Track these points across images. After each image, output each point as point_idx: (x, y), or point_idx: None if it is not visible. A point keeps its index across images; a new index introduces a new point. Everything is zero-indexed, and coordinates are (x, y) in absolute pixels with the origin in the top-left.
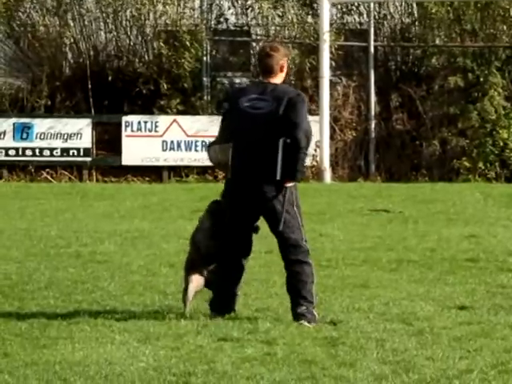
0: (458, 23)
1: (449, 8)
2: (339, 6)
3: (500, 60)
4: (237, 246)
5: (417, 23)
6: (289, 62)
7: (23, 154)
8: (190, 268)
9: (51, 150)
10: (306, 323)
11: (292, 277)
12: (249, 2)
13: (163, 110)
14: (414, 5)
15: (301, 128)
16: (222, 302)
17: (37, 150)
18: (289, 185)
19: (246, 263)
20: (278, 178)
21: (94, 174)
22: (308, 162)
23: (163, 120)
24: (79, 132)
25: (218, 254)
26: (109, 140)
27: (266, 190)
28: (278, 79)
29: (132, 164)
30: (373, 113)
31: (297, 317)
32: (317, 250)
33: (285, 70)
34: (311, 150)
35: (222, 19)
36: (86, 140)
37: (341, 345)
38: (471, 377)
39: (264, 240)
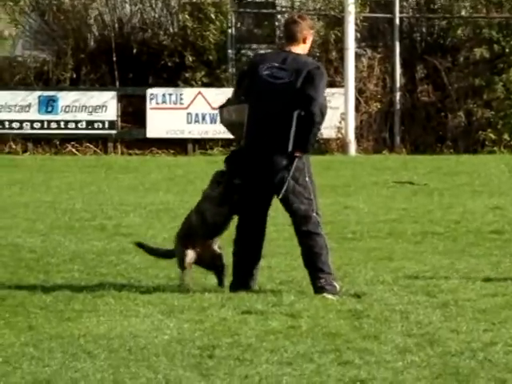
0: None
1: None
2: None
3: None
4: (252, 220)
5: None
6: (313, 36)
7: (48, 127)
8: (187, 239)
9: (76, 122)
10: (327, 295)
11: (306, 250)
12: None
13: (188, 83)
14: None
15: (317, 102)
16: (239, 281)
17: (62, 123)
18: (298, 155)
19: (263, 242)
20: (290, 149)
21: (119, 146)
22: (333, 133)
23: (188, 92)
24: (104, 105)
25: (223, 223)
26: (134, 112)
27: (277, 161)
28: (300, 49)
29: (157, 136)
30: (398, 85)
31: (317, 290)
32: (341, 223)
33: (308, 42)
34: (336, 122)
35: None
36: (110, 113)
37: (365, 317)
38: (496, 349)
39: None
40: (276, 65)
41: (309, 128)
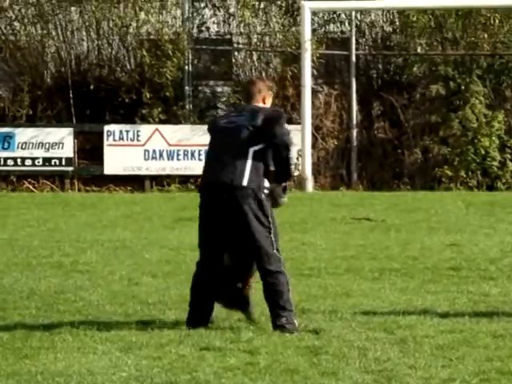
0: (440, 31)
1: (430, 16)
2: (321, 15)
3: (481, 68)
4: (211, 257)
5: (398, 31)
6: (272, 96)
7: (5, 164)
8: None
9: (33, 159)
10: (287, 334)
11: (268, 288)
12: (231, 11)
13: (145, 119)
14: (396, 13)
15: (281, 133)
16: (196, 316)
17: (18, 160)
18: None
19: (220, 279)
20: (246, 183)
21: (76, 183)
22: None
23: (145, 129)
24: (61, 141)
25: (231, 267)
26: (91, 149)
27: (236, 198)
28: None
29: (114, 173)
30: (354, 121)
31: (277, 327)
32: (299, 259)
33: (267, 102)
34: (293, 158)
35: (203, 28)
36: (67, 149)
37: (323, 354)
38: None
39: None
40: (233, 114)
41: (281, 156)
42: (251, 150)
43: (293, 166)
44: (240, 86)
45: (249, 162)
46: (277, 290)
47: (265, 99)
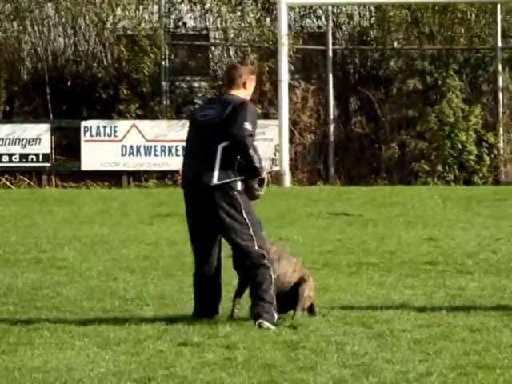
0: (416, 26)
1: (407, 11)
2: (297, 10)
3: (458, 62)
4: (201, 254)
5: (375, 26)
6: (254, 81)
7: None
8: None
9: (10, 155)
10: (265, 322)
11: (247, 280)
12: (207, 6)
13: (122, 115)
14: (372, 8)
15: (239, 129)
16: (200, 310)
17: None
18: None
19: (218, 272)
20: (216, 182)
21: (54, 179)
22: (268, 165)
23: (122, 125)
24: (38, 137)
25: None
26: (68, 145)
27: (207, 196)
28: (241, 94)
29: (91, 169)
30: (331, 116)
31: (255, 316)
32: None
33: (249, 87)
34: (271, 153)
35: (180, 23)
36: (44, 145)
37: (301, 348)
38: (431, 379)
39: (223, 245)
40: (208, 106)
41: (242, 155)
42: (220, 147)
43: (257, 163)
44: (217, 79)
45: (218, 159)
46: (255, 280)
47: (245, 84)
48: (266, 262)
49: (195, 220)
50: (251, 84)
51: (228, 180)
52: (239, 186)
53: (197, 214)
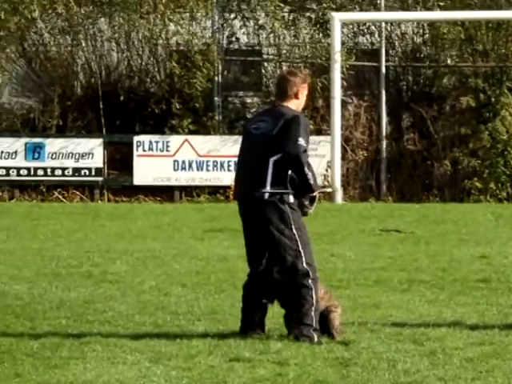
0: (470, 43)
1: (460, 28)
2: (351, 26)
3: (511, 80)
4: (253, 267)
5: (428, 43)
6: (306, 89)
7: (35, 174)
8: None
9: (63, 169)
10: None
11: (290, 299)
12: (261, 22)
13: (175, 130)
14: (426, 25)
15: (293, 146)
16: (249, 323)
17: (48, 170)
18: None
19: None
20: (267, 196)
21: (106, 193)
22: (320, 182)
23: (175, 140)
24: (91, 152)
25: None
26: (120, 160)
27: (258, 210)
28: (293, 105)
29: (143, 184)
30: (384, 133)
31: (294, 337)
32: (328, 271)
33: (301, 96)
34: (323, 170)
35: (233, 39)
36: (97, 160)
37: (352, 365)
38: None
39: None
40: (261, 118)
41: (296, 172)
42: (271, 160)
43: (311, 181)
44: (270, 95)
45: (269, 173)
46: (297, 302)
47: (298, 94)
48: (309, 282)
49: (249, 232)
50: (303, 93)
51: (280, 192)
52: (291, 199)
53: (250, 226)
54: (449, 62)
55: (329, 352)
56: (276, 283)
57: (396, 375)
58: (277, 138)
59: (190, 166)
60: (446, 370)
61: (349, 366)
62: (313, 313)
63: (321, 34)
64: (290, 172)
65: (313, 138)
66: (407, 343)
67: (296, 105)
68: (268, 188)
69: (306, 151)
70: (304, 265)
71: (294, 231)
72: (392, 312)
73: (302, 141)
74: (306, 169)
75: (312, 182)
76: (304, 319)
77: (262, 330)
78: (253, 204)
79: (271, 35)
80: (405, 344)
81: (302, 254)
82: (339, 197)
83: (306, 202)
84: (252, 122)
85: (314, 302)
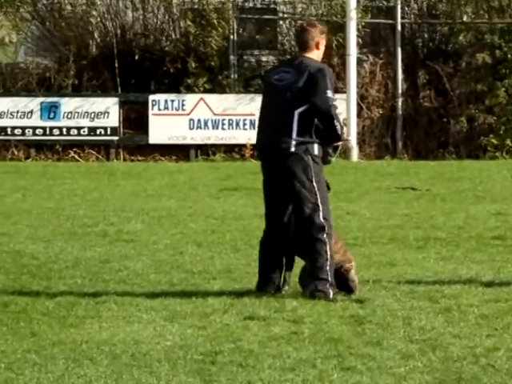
0: (486, 0)
1: None
2: None
3: None
4: (273, 222)
5: (444, 0)
6: (325, 40)
7: (50, 134)
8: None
9: (78, 129)
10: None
11: (304, 253)
12: None
13: (190, 89)
14: None
15: (323, 100)
16: (266, 281)
17: (64, 129)
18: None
19: (286, 243)
20: (293, 149)
21: (121, 152)
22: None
23: (190, 98)
24: (106, 111)
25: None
26: (136, 119)
27: (283, 162)
28: (314, 55)
29: (159, 143)
30: (400, 90)
31: (309, 295)
32: (343, 228)
33: (321, 47)
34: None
35: None
36: (113, 119)
37: (367, 323)
38: (498, 355)
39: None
40: (284, 69)
41: (327, 124)
42: (296, 113)
43: (338, 129)
44: (285, 53)
45: (295, 124)
46: (312, 256)
47: (318, 44)
48: (324, 236)
49: (270, 185)
50: (323, 44)
51: (306, 141)
52: (316, 150)
53: (272, 181)
54: (464, 18)
55: (344, 310)
56: (293, 234)
57: (411, 332)
58: (303, 91)
59: (206, 124)
60: (461, 328)
61: (364, 323)
62: (328, 267)
63: None
64: (315, 122)
65: None
66: (422, 301)
67: (317, 55)
68: (294, 140)
69: (334, 103)
70: (321, 218)
71: (315, 184)
72: (407, 270)
73: (330, 93)
74: (335, 121)
75: (339, 131)
76: (319, 274)
77: (278, 287)
78: (277, 155)
79: None
80: (420, 301)
81: (320, 208)
82: (355, 154)
83: (330, 150)
84: (273, 72)
85: (329, 256)
